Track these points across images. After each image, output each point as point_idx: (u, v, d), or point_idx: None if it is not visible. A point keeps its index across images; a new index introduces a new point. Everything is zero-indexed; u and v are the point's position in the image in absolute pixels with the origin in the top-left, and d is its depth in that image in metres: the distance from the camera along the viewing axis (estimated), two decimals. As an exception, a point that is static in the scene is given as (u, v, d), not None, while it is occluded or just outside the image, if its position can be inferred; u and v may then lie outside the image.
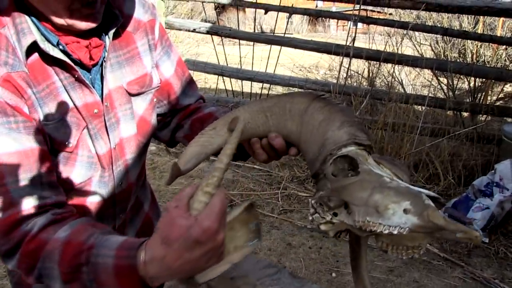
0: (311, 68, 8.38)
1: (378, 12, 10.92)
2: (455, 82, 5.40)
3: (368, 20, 4.70)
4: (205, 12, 6.43)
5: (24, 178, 0.80)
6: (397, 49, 4.49)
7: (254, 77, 4.97)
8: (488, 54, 6.32)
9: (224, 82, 5.56)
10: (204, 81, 6.79)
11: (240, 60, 5.49)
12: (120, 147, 1.00)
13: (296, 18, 18.82)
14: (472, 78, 5.15)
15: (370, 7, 5.10)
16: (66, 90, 0.89)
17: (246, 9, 13.87)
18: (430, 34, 6.29)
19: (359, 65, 5.66)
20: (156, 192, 3.42)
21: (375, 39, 5.15)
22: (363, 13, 4.59)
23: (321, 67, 8.45)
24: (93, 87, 0.93)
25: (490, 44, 6.04)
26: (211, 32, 4.97)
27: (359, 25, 4.56)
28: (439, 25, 6.01)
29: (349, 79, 4.94)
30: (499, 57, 6.16)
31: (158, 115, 1.11)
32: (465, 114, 5.01)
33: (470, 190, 3.32)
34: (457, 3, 3.91)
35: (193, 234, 0.64)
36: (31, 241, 0.77)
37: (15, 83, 0.81)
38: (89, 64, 0.92)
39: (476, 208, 3.13)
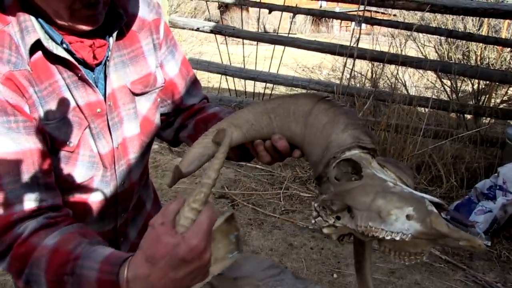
0: (314, 68, 8.37)
1: (382, 13, 10.90)
2: (458, 84, 5.38)
3: (372, 21, 4.69)
4: (209, 11, 6.43)
5: (21, 179, 0.80)
6: (401, 50, 4.48)
7: (257, 77, 4.97)
8: (493, 57, 6.29)
9: (227, 81, 5.56)
10: (207, 80, 6.79)
11: (244, 60, 5.49)
12: (123, 147, 1.00)
13: (299, 18, 18.80)
14: (476, 81, 5.13)
15: (374, 8, 5.08)
16: (69, 89, 0.88)
17: (250, 9, 13.87)
18: (434, 36, 6.27)
19: (362, 66, 5.65)
20: (158, 190, 3.42)
21: (379, 40, 5.14)
22: (367, 14, 4.58)
23: (324, 68, 8.44)
24: (96, 86, 0.92)
25: (495, 46, 6.02)
26: (214, 31, 4.97)
27: (362, 26, 4.55)
28: (443, 27, 5.99)
29: (352, 80, 4.93)
30: (503, 59, 6.14)
31: (161, 114, 1.11)
32: (468, 116, 4.99)
33: (473, 193, 3.30)
34: (462, 5, 3.90)
35: (179, 252, 0.62)
36: (21, 245, 0.76)
37: (17, 82, 0.81)
38: (93, 64, 0.91)
39: (478, 211, 3.12)
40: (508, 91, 5.95)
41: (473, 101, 5.38)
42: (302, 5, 5.11)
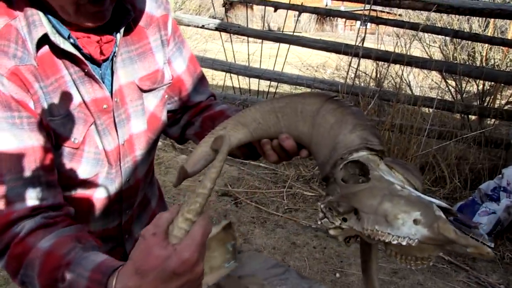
0: (318, 67, 8.36)
1: (388, 12, 10.86)
2: (463, 85, 5.36)
3: (378, 21, 4.67)
4: (214, 8, 6.42)
5: (22, 177, 0.79)
6: (406, 50, 4.47)
7: (261, 75, 4.96)
8: (498, 58, 6.26)
9: (231, 79, 5.55)
10: (212, 77, 6.78)
11: (248, 58, 5.48)
12: (129, 143, 0.99)
13: (304, 17, 18.77)
14: (481, 82, 5.11)
15: (379, 8, 5.06)
16: (75, 84, 0.88)
17: (254, 7, 13.84)
18: (439, 36, 6.24)
19: (366, 65, 5.63)
20: (162, 187, 3.42)
21: (384, 40, 5.12)
22: (372, 13, 4.56)
23: (328, 67, 8.42)
24: (103, 82, 0.92)
25: (500, 47, 5.99)
26: (219, 28, 4.96)
27: (367, 25, 4.55)
28: (449, 27, 5.96)
29: (357, 79, 4.92)
30: (509, 60, 6.11)
31: (168, 111, 1.11)
32: (473, 117, 4.97)
33: (477, 194, 3.30)
34: (469, 5, 3.87)
35: (170, 265, 0.60)
36: (18, 244, 0.76)
37: (22, 77, 0.81)
38: (100, 59, 0.91)
39: (482, 212, 3.11)
40: (514, 93, 5.92)
41: (478, 102, 5.35)
42: (308, 4, 5.10)
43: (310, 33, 16.95)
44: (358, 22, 4.91)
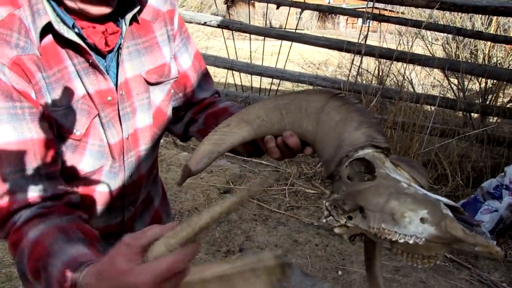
0: (320, 65, 8.34)
1: (390, 10, 10.83)
2: (465, 83, 5.35)
3: (380, 18, 4.66)
4: (216, 5, 6.41)
5: (22, 169, 0.80)
6: (409, 48, 4.46)
7: (263, 72, 4.96)
8: (501, 55, 6.24)
9: (233, 76, 5.55)
10: (214, 75, 6.78)
11: (250, 55, 5.47)
12: (134, 138, 0.99)
13: (306, 14, 18.73)
14: (483, 79, 5.10)
15: (381, 5, 5.05)
16: (79, 75, 0.87)
17: (256, 4, 13.81)
18: (441, 34, 6.23)
19: (368, 63, 5.62)
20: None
21: (386, 37, 5.11)
22: (375, 11, 4.55)
23: (330, 64, 8.40)
24: (108, 74, 0.91)
25: (503, 45, 5.97)
26: (221, 25, 4.96)
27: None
28: (451, 25, 5.95)
29: (359, 77, 4.91)
30: (511, 58, 6.09)
31: (172, 108, 1.10)
32: (475, 115, 4.96)
33: (479, 192, 3.29)
34: (472, 3, 3.86)
35: (122, 281, 0.59)
36: (14, 233, 0.78)
37: (24, 67, 0.80)
38: (104, 50, 0.89)
39: (484, 210, 3.10)
40: (516, 91, 5.91)
41: (480, 100, 5.34)
42: (310, 1, 5.09)
43: (312, 31, 16.92)
44: (360, 20, 4.90)
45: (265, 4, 5.45)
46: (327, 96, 0.77)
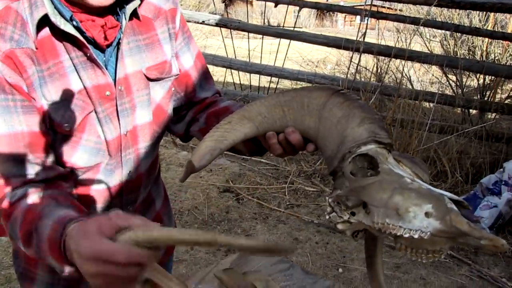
0: (319, 63, 8.35)
1: (388, 8, 10.84)
2: (464, 80, 5.36)
3: (378, 15, 4.66)
4: (214, 4, 6.41)
5: (13, 159, 0.83)
6: (407, 45, 4.46)
7: (262, 71, 4.95)
8: (498, 52, 6.25)
9: (232, 75, 5.55)
10: (212, 73, 6.75)
11: (249, 53, 5.47)
12: (132, 135, 0.98)
13: (304, 12, 18.72)
14: (481, 76, 5.11)
15: (379, 3, 5.05)
16: (76, 69, 0.87)
17: (254, 3, 13.80)
18: (439, 31, 6.23)
19: (367, 60, 5.63)
20: (163, 184, 3.43)
21: (384, 35, 5.11)
22: (373, 8, 4.55)
23: (328, 62, 8.41)
24: (106, 69, 0.90)
25: (500, 41, 5.98)
26: (220, 24, 4.95)
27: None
28: (449, 22, 5.95)
29: (358, 74, 4.91)
30: (509, 55, 6.10)
31: (174, 108, 1.10)
32: (474, 111, 4.97)
33: (478, 188, 3.30)
34: (470, -1, 3.87)
35: (80, 241, 0.64)
36: (9, 207, 0.82)
37: (16, 60, 0.80)
38: (103, 44, 0.89)
39: (484, 206, 3.11)
40: (514, 87, 5.92)
41: (479, 96, 5.35)
42: (308, -1, 5.09)
43: (310, 29, 16.91)
44: (358, 18, 4.90)
45: (263, 2, 5.45)
46: (329, 92, 0.77)
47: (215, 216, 3.25)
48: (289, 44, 5.19)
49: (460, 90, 5.31)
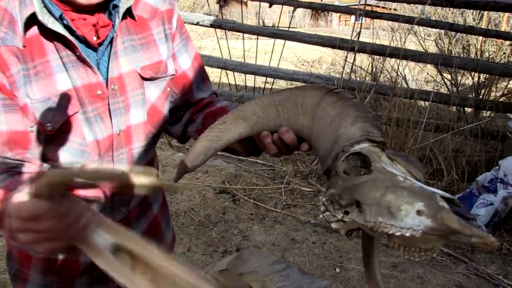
0: (314, 62, 8.35)
1: (382, 7, 10.88)
2: (458, 78, 5.38)
3: (373, 15, 4.67)
4: (209, 5, 6.40)
5: None
6: (402, 44, 4.48)
7: (257, 71, 4.95)
8: (492, 50, 6.28)
9: (227, 75, 5.55)
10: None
11: (244, 54, 5.47)
12: (126, 134, 0.97)
13: (298, 12, 18.74)
14: (476, 74, 5.13)
15: (374, 2, 5.06)
16: (66, 68, 0.86)
17: (249, 3, 13.80)
18: (433, 30, 6.26)
19: (362, 60, 5.64)
20: (159, 186, 3.41)
21: (379, 34, 5.13)
22: (367, 7, 4.56)
23: (323, 62, 8.42)
24: (98, 68, 0.90)
25: (494, 39, 6.01)
26: (214, 25, 4.95)
27: (362, 20, 4.56)
28: (443, 20, 5.98)
29: (353, 74, 4.92)
30: (503, 53, 6.13)
31: (170, 110, 1.10)
32: (469, 110, 4.99)
33: (474, 186, 3.31)
34: (464, -2, 3.89)
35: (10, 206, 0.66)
36: None
37: (0, 58, 0.81)
38: (94, 43, 0.89)
39: (480, 204, 3.12)
40: (509, 85, 5.94)
41: (474, 94, 5.37)
42: (302, -1, 5.09)
43: (305, 29, 16.93)
44: (353, 17, 4.91)
45: (258, 3, 5.45)
46: (323, 91, 0.77)
47: (212, 217, 3.24)
48: (284, 44, 5.19)
49: (455, 88, 5.33)
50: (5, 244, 0.89)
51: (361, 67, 5.44)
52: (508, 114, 4.91)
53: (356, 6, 4.68)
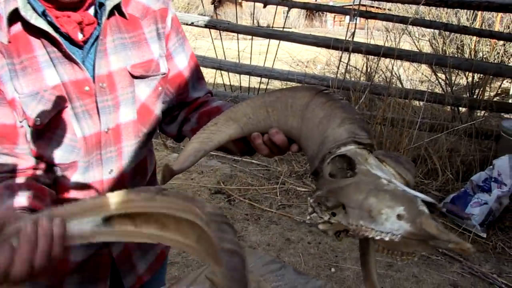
0: (308, 63, 8.36)
1: (377, 7, 10.91)
2: (453, 78, 5.40)
3: (367, 15, 4.68)
4: (203, 5, 6.39)
5: None
6: (396, 44, 4.49)
7: (252, 71, 4.95)
8: (486, 50, 6.31)
9: (222, 76, 5.54)
10: (202, 75, 6.75)
11: (238, 54, 5.47)
12: (115, 133, 0.97)
13: (293, 13, 18.76)
14: (470, 74, 5.15)
15: (368, 2, 5.08)
16: (53, 64, 0.87)
17: (243, 4, 13.79)
18: (428, 30, 6.28)
19: (357, 60, 5.65)
20: (154, 187, 3.40)
21: (373, 34, 5.14)
22: (361, 8, 4.57)
23: (318, 62, 8.43)
24: (84, 64, 0.90)
25: (488, 39, 6.04)
26: (209, 25, 4.94)
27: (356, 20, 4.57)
28: (437, 21, 6.00)
29: (347, 74, 4.93)
30: (497, 53, 6.16)
31: (166, 109, 1.09)
32: (463, 109, 5.01)
33: (469, 185, 3.32)
34: (457, -2, 3.90)
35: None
36: None
37: None
38: (79, 40, 0.89)
39: (474, 203, 3.13)
40: (502, 84, 5.98)
41: (468, 94, 5.39)
42: (297, -1, 5.10)
43: (300, 29, 16.95)
44: (347, 17, 4.92)
45: (252, 3, 5.45)
46: (312, 92, 0.77)
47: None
48: (278, 45, 5.19)
49: (449, 88, 5.35)
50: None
51: (355, 67, 5.45)
52: (502, 114, 4.93)
53: (351, 6, 4.69)
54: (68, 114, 0.90)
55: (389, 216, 0.59)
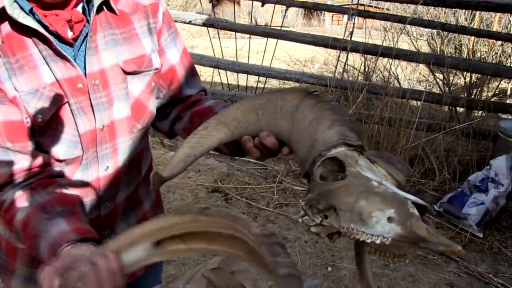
0: (306, 62, 8.35)
1: (375, 7, 10.91)
2: (450, 78, 5.40)
3: (365, 14, 4.68)
4: (201, 4, 6.38)
5: None
6: (394, 43, 4.48)
7: (250, 70, 4.94)
8: (484, 50, 6.31)
9: (219, 75, 5.53)
10: (200, 74, 6.74)
11: (236, 53, 5.46)
12: (110, 129, 0.97)
13: (291, 12, 18.75)
14: (468, 74, 5.15)
15: (366, 1, 5.08)
16: (46, 62, 0.87)
17: (241, 2, 13.78)
18: (426, 29, 6.28)
19: (355, 59, 5.64)
20: (151, 186, 3.40)
21: (371, 34, 5.14)
22: (360, 7, 4.57)
23: (316, 61, 8.42)
24: (75, 62, 0.90)
25: (486, 39, 6.04)
26: (207, 24, 4.93)
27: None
28: (436, 20, 5.99)
29: (345, 73, 4.92)
30: (495, 53, 6.16)
31: (158, 106, 1.09)
32: (461, 109, 5.01)
33: (466, 185, 3.32)
34: (455, -2, 3.90)
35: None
36: (6, 213, 0.86)
37: None
38: (68, 39, 0.89)
39: (471, 203, 3.13)
40: (500, 85, 5.98)
41: (466, 94, 5.39)
42: (295, -2, 5.09)
43: (297, 28, 16.92)
44: (346, 17, 4.92)
45: (250, 2, 5.44)
46: (302, 94, 0.76)
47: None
48: (276, 44, 5.19)
49: (447, 88, 5.34)
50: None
51: (353, 67, 5.44)
52: (500, 114, 4.94)
53: (349, 6, 4.68)
54: (67, 110, 0.91)
55: (380, 219, 0.59)
